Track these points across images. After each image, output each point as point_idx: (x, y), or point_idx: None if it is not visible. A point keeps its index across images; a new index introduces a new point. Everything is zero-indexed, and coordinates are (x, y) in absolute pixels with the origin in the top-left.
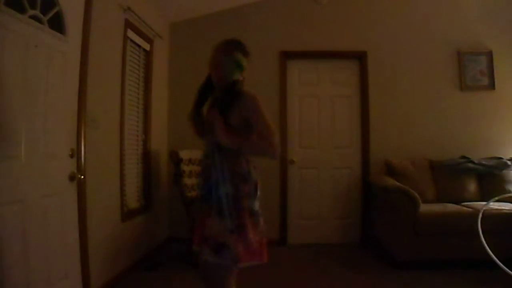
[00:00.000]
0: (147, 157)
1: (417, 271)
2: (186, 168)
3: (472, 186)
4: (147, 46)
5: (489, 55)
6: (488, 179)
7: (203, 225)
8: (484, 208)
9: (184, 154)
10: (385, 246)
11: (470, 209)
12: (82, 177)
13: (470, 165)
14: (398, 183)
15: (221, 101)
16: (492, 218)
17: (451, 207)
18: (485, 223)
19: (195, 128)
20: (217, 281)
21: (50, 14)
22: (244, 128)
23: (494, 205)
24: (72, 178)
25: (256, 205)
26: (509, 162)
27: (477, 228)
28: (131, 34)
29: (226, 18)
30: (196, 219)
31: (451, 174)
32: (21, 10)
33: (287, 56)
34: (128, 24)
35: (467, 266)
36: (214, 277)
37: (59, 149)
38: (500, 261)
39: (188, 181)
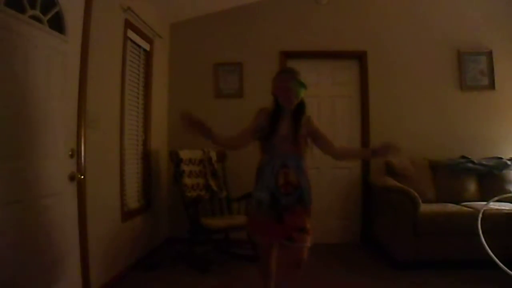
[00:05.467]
0: (147, 157)
1: (417, 271)
2: (186, 168)
3: (472, 186)
4: (147, 46)
5: (489, 55)
6: (488, 179)
7: (292, 220)
8: (484, 208)
9: (184, 154)
10: (385, 246)
11: (470, 209)
12: (82, 177)
13: (470, 165)
14: (398, 183)
15: (296, 117)
16: (492, 218)
17: (451, 207)
18: (485, 223)
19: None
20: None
21: (50, 14)
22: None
23: (494, 205)
24: (72, 178)
25: None
26: (509, 162)
27: (477, 228)
28: (131, 34)
29: (226, 18)
30: (266, 219)
31: (451, 174)
32: (21, 10)
33: (287, 56)
34: (128, 24)
35: (467, 266)
36: (302, 260)
37: (59, 149)
38: (500, 261)
39: (188, 181)
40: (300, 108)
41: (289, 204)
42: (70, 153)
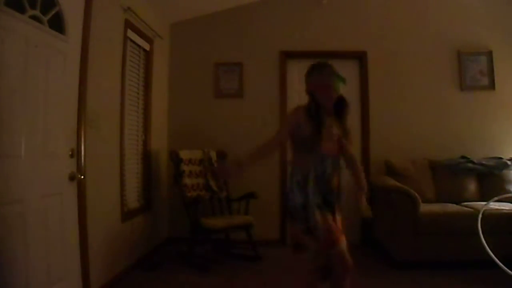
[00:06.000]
0: (147, 157)
1: (417, 271)
2: (186, 168)
3: (472, 186)
4: (147, 46)
5: (489, 55)
6: (488, 179)
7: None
8: (484, 208)
9: (184, 154)
10: (385, 246)
11: (470, 209)
12: (82, 177)
13: (470, 165)
14: (398, 183)
15: (339, 113)
16: (492, 218)
17: (451, 207)
18: (485, 223)
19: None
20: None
21: (50, 14)
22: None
23: (494, 205)
24: (72, 178)
25: None
26: (509, 162)
27: (477, 228)
28: (131, 34)
29: (226, 18)
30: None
31: (451, 174)
32: (21, 10)
33: (287, 56)
34: (128, 24)
35: (467, 266)
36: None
37: (59, 149)
38: (500, 261)
39: (188, 181)
40: (342, 103)
41: (334, 205)
42: (70, 153)
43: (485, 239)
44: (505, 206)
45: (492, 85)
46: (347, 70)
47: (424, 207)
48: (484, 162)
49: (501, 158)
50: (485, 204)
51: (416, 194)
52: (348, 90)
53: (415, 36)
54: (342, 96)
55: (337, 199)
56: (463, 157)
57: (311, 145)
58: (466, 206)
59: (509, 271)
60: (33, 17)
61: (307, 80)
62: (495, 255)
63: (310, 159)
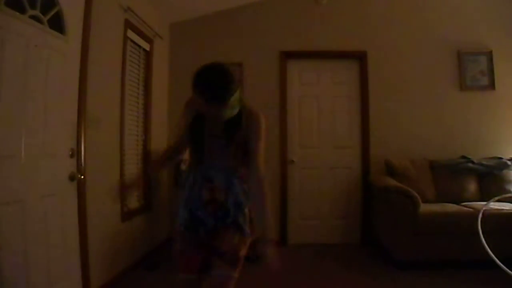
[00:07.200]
0: (147, 157)
1: (417, 271)
2: (186, 168)
3: (472, 186)
4: (147, 46)
5: (489, 55)
6: (488, 179)
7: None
8: (484, 208)
9: (184, 154)
10: (385, 246)
11: (470, 209)
12: (82, 177)
13: (470, 165)
14: (398, 183)
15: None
16: (492, 218)
17: (451, 207)
18: (485, 223)
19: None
20: None
21: (50, 14)
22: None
23: (494, 205)
24: (72, 178)
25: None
26: (509, 162)
27: (477, 228)
28: (131, 34)
29: (226, 18)
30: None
31: (451, 174)
32: (21, 10)
33: (287, 56)
34: (128, 24)
35: (467, 266)
36: None
37: (59, 149)
38: (500, 261)
39: None
40: (232, 124)
41: (216, 225)
42: (70, 153)
43: (485, 239)
44: (505, 206)
45: (492, 85)
46: (347, 70)
47: (424, 207)
48: (484, 162)
49: (501, 158)
50: (485, 204)
51: (416, 194)
52: (348, 90)
53: (415, 36)
54: (240, 113)
55: (212, 219)
56: (463, 157)
57: (193, 147)
58: (466, 206)
59: (509, 271)
60: (33, 17)
61: (192, 93)
62: (495, 255)
63: (192, 164)
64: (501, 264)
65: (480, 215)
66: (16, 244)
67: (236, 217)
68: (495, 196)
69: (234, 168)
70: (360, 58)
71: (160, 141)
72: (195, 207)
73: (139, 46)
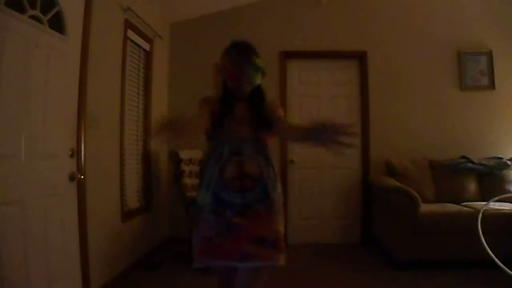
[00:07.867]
0: (147, 157)
1: (417, 271)
2: (186, 168)
3: (472, 186)
4: (147, 46)
5: (489, 55)
6: (488, 179)
7: (249, 228)
8: (484, 208)
9: (184, 154)
10: (385, 246)
11: (470, 209)
12: (82, 177)
13: (470, 165)
14: (398, 183)
15: (254, 101)
16: (492, 218)
17: (451, 207)
18: (485, 223)
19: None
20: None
21: (50, 14)
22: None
23: (494, 205)
24: (72, 178)
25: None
26: (509, 162)
27: (477, 228)
28: (131, 34)
29: (226, 18)
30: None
31: (451, 174)
32: (21, 10)
33: (287, 56)
34: (128, 24)
35: (467, 266)
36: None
37: (59, 149)
38: (500, 261)
39: (188, 181)
40: (257, 94)
41: (247, 204)
42: (70, 153)
43: (485, 239)
44: (505, 206)
45: (492, 85)
46: (347, 70)
47: (424, 207)
48: (484, 162)
49: (501, 158)
50: (485, 204)
51: (416, 194)
52: (348, 90)
53: (415, 36)
54: (260, 87)
55: (244, 196)
56: (463, 157)
57: (217, 130)
58: (466, 206)
59: (509, 271)
60: (33, 17)
61: (220, 61)
62: (495, 255)
63: (214, 143)
64: (501, 264)
65: (480, 215)
66: (16, 244)
67: (271, 194)
68: (495, 196)
69: (262, 141)
70: (360, 58)
71: (160, 141)
72: (219, 189)
73: (139, 46)
